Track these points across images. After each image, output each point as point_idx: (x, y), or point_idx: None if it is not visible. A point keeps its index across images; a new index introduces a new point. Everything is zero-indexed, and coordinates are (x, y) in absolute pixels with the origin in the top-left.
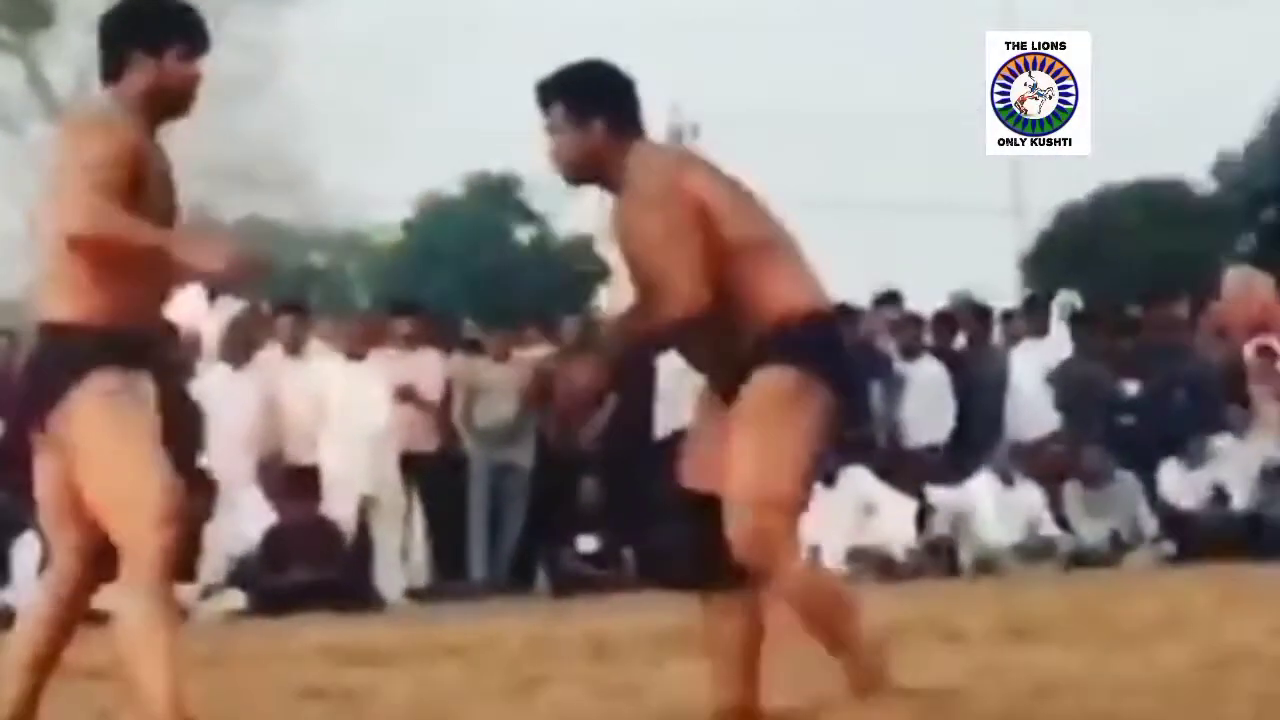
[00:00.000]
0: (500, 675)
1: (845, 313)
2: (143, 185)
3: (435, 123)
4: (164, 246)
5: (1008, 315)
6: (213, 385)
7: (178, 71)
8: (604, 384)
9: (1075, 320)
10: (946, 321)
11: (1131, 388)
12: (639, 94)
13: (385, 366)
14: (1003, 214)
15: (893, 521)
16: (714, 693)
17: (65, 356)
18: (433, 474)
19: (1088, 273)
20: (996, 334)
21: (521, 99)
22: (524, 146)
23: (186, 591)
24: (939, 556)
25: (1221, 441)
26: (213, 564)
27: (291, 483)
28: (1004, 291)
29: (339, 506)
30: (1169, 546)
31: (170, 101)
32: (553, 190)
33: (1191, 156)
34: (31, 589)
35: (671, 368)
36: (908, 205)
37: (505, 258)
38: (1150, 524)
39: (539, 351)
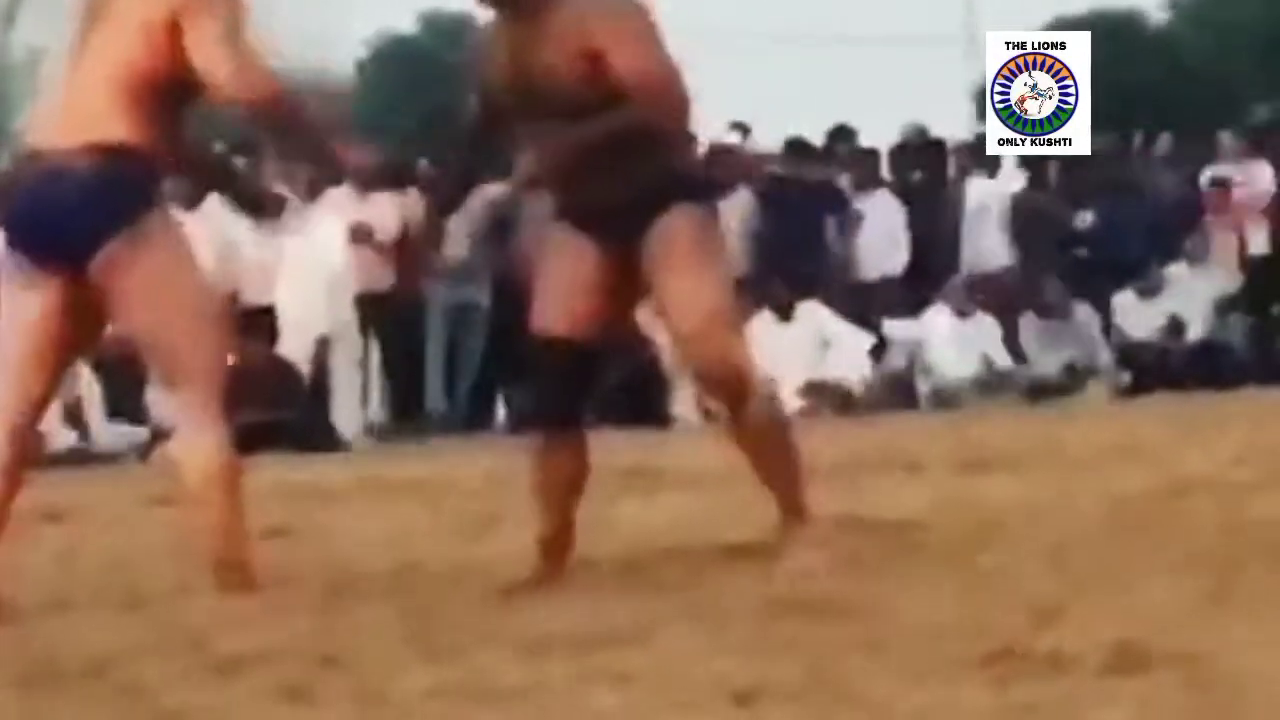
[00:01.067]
0: (459, 513)
1: (799, 147)
2: None
3: None
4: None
5: (960, 148)
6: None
7: None
8: (573, 160)
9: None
10: (903, 155)
11: (1085, 219)
12: None
13: (340, 206)
14: (954, 44)
15: (849, 355)
16: (538, 524)
17: (135, 182)
18: (390, 313)
19: None
20: (951, 167)
21: None
22: None
23: (136, 432)
24: (896, 390)
25: (1176, 271)
26: (169, 405)
27: (247, 324)
28: (959, 123)
29: (296, 347)
30: (1125, 377)
31: None
32: None
33: None
34: None
35: None
36: (861, 38)
37: (460, 97)
38: (1106, 355)
39: (496, 189)
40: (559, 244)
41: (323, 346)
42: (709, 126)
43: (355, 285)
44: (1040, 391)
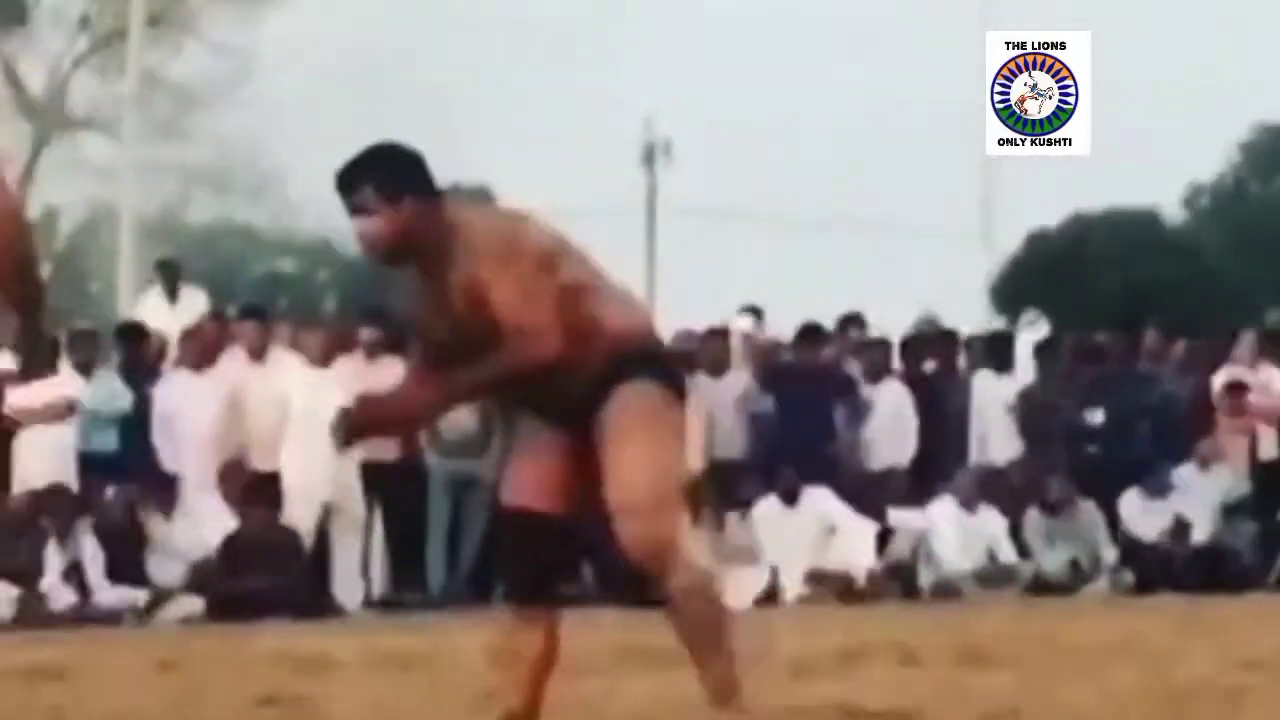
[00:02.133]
0: (456, 687)
1: (811, 333)
2: None
3: (407, 131)
4: None
5: (972, 341)
6: (175, 388)
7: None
8: (432, 412)
9: (1040, 347)
10: (914, 346)
11: (1096, 416)
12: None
13: (349, 374)
14: (973, 238)
15: (854, 543)
16: (502, 700)
17: None
18: (394, 484)
19: (1057, 300)
20: (962, 359)
21: (492, 107)
22: (495, 158)
23: (136, 594)
24: (899, 579)
25: (1184, 473)
26: (171, 569)
27: (252, 489)
28: (973, 317)
29: (299, 514)
30: (1128, 576)
31: None
32: (523, 205)
33: (1163, 186)
34: None
35: None
36: (879, 226)
37: None
38: (1110, 553)
39: None
40: (527, 428)
41: (326, 514)
42: (722, 308)
43: (360, 454)
44: (1043, 587)
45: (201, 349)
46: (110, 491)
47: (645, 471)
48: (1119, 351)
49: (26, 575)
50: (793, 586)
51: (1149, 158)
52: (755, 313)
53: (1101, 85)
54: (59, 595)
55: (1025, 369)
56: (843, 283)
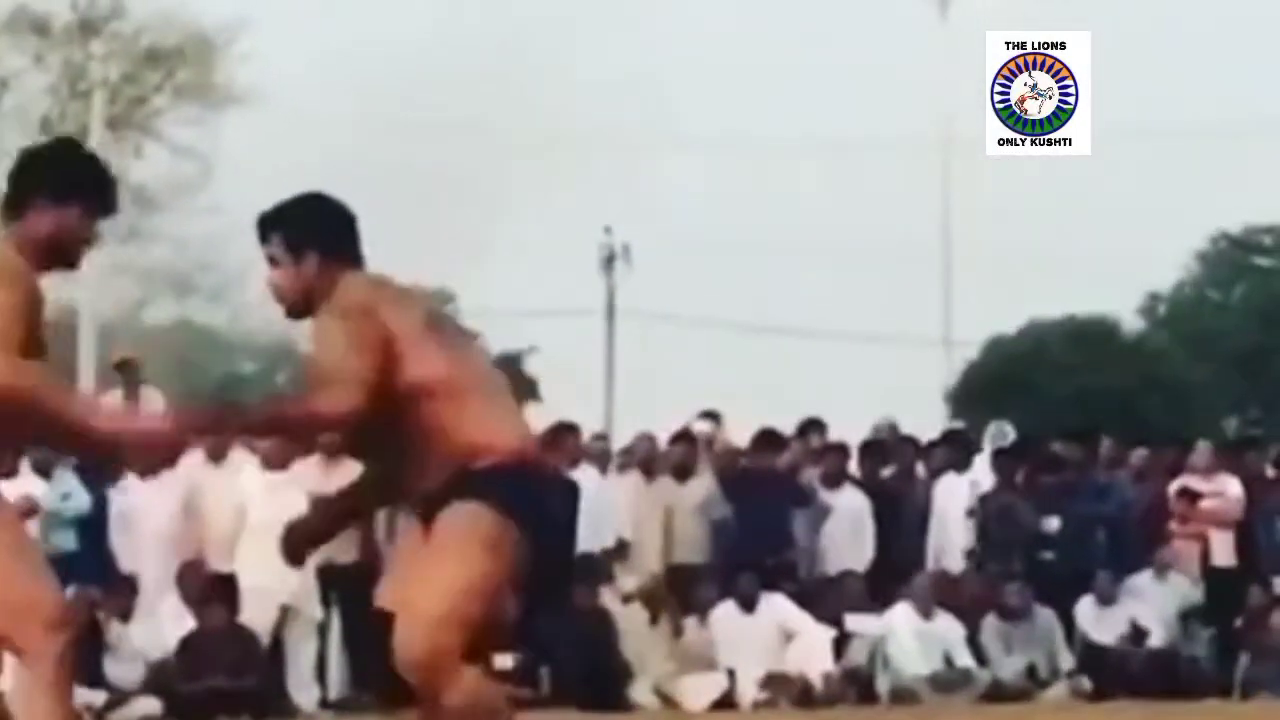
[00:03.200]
0: None
1: (769, 439)
2: (34, 333)
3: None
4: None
5: (931, 446)
6: (133, 490)
7: (79, 228)
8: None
9: (999, 455)
10: (873, 451)
11: (1052, 523)
12: (357, 229)
13: (306, 477)
14: (931, 345)
15: (811, 648)
16: None
17: None
18: (351, 585)
19: (1014, 406)
20: (919, 466)
21: (454, 212)
22: (458, 263)
23: (90, 696)
24: (856, 684)
25: (1141, 580)
26: (130, 669)
27: (210, 590)
28: (932, 423)
29: (256, 616)
30: (1086, 682)
31: (66, 253)
32: (484, 308)
33: (1119, 294)
34: None
35: (592, 488)
36: (837, 334)
37: None
38: (1068, 659)
39: None
40: (407, 531)
41: (283, 616)
42: (681, 412)
43: (317, 556)
44: (1000, 693)
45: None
46: (69, 592)
47: (439, 589)
48: (1076, 459)
49: None
50: (749, 691)
51: (1107, 266)
52: (714, 417)
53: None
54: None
55: (982, 478)
56: (802, 388)
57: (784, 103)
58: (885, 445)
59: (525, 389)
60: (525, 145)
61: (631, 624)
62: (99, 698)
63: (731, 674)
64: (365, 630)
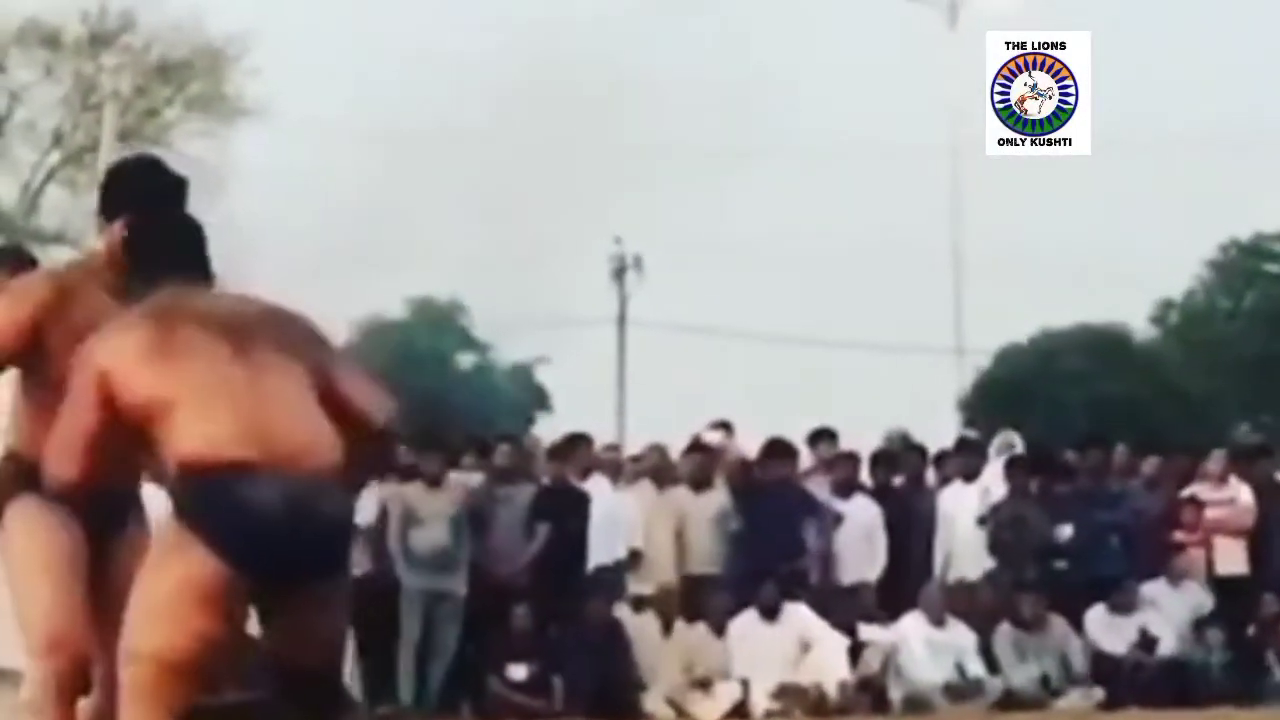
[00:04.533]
0: None
1: (780, 449)
2: (49, 353)
3: (378, 246)
4: None
5: (942, 455)
6: (148, 499)
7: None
8: None
9: (1011, 463)
10: (884, 460)
11: (1065, 532)
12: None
13: None
14: (943, 354)
15: (829, 657)
16: None
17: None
18: (364, 597)
19: (1027, 415)
20: (930, 474)
21: (471, 226)
22: (470, 273)
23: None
24: (869, 694)
25: (1154, 588)
26: None
27: None
28: (944, 432)
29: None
30: (1098, 691)
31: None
32: (495, 319)
33: (1131, 302)
34: None
35: (604, 498)
36: (848, 343)
37: (443, 383)
38: (1081, 668)
39: (474, 478)
40: None
41: None
42: (692, 423)
43: None
44: (1013, 702)
45: None
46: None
47: (133, 609)
48: (1088, 468)
49: None
50: (763, 701)
51: (1118, 274)
52: (725, 427)
53: (1078, 198)
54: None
55: (993, 486)
56: (813, 397)
57: (792, 111)
58: (896, 454)
59: (536, 399)
60: (534, 154)
61: (644, 634)
62: None
63: (745, 684)
64: (376, 641)
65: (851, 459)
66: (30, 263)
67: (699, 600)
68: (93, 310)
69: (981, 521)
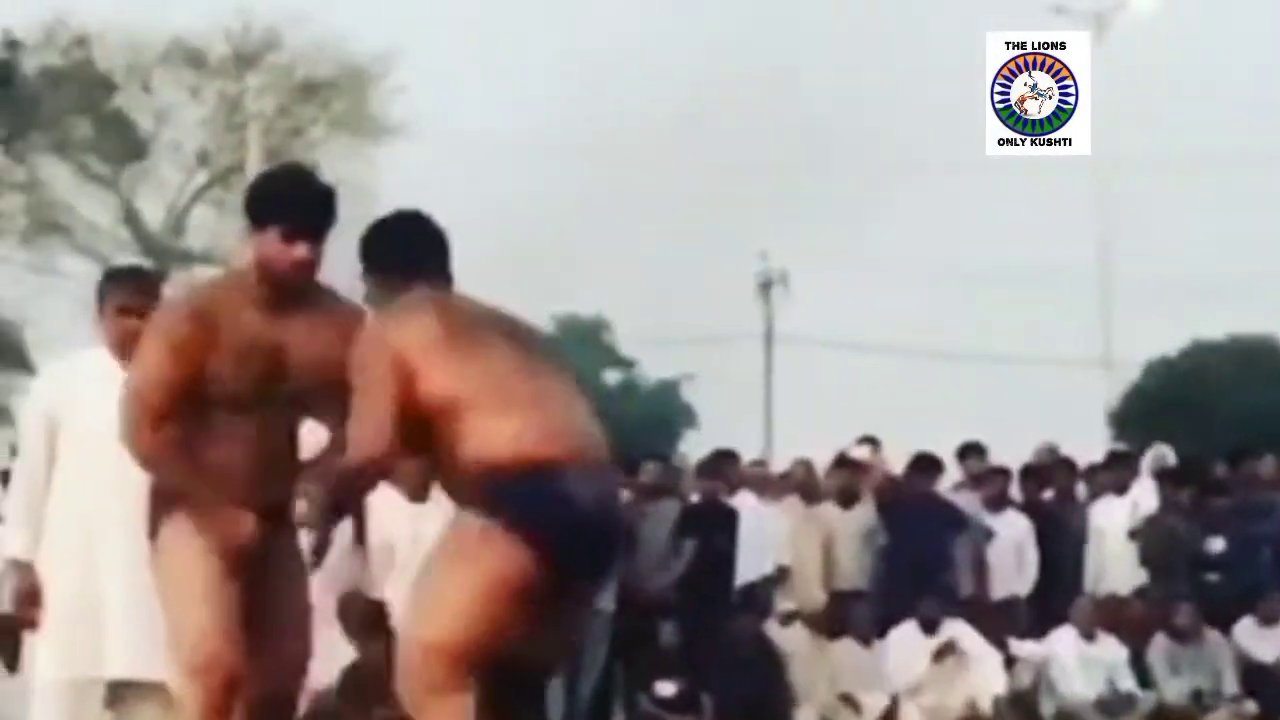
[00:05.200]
0: None
1: (927, 463)
2: (211, 370)
3: (526, 261)
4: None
5: (1092, 469)
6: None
7: (279, 251)
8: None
9: (1162, 476)
10: (1034, 474)
11: (1217, 544)
12: (424, 245)
13: (441, 505)
14: (1093, 366)
15: (985, 673)
16: None
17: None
18: None
19: (1177, 427)
20: (1080, 487)
21: (616, 242)
22: (616, 289)
23: None
24: (1020, 709)
25: None
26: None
27: (370, 618)
28: (1094, 445)
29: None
30: (1250, 705)
31: (275, 279)
32: (641, 335)
33: None
34: None
35: (751, 514)
36: (996, 357)
37: (589, 400)
38: (1233, 683)
39: (621, 496)
40: None
41: None
42: (840, 438)
43: None
44: (1164, 716)
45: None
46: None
47: (429, 610)
48: (1239, 479)
49: None
50: (914, 715)
51: (1269, 286)
52: (872, 442)
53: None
54: None
55: (1144, 499)
56: (962, 412)
57: (939, 127)
58: (1046, 468)
59: (683, 416)
60: (681, 170)
61: (791, 650)
62: None
63: (894, 698)
64: None
65: (1002, 473)
66: (153, 281)
67: (846, 616)
68: (241, 325)
69: (1132, 535)
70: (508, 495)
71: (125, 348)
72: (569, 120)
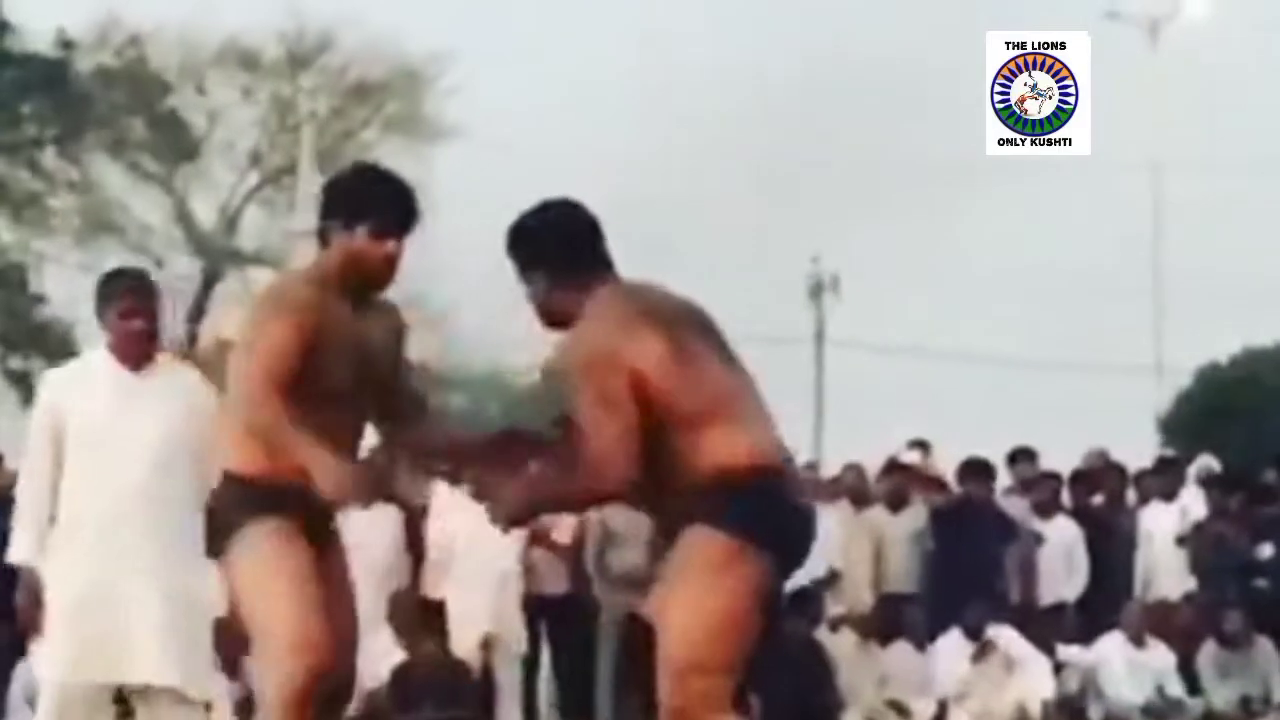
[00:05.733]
0: None
1: (978, 468)
2: (317, 362)
3: None
4: (304, 461)
5: (1141, 475)
6: (356, 519)
7: (369, 248)
8: (514, 522)
9: (1211, 482)
10: (1084, 480)
11: (1266, 551)
12: (590, 236)
13: None
14: (1144, 373)
15: (1034, 679)
16: None
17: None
18: (562, 618)
19: (1227, 434)
20: (1130, 493)
21: (665, 244)
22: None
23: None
24: (1069, 715)
25: None
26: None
27: (421, 617)
28: (1143, 451)
29: (461, 644)
30: None
31: (364, 276)
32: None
33: None
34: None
35: None
36: (1047, 362)
37: None
38: None
39: None
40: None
41: (487, 647)
42: (890, 442)
43: (526, 587)
44: None
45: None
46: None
47: (687, 630)
48: None
49: None
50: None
51: None
52: (922, 446)
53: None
54: None
55: (1193, 505)
56: (1012, 417)
57: (980, 130)
58: (1095, 473)
59: None
60: (732, 173)
61: (841, 653)
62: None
63: (941, 704)
64: (574, 662)
65: (1053, 479)
66: (152, 284)
67: (896, 620)
68: (337, 319)
69: (1181, 541)
70: (750, 506)
71: (127, 349)
72: (621, 124)
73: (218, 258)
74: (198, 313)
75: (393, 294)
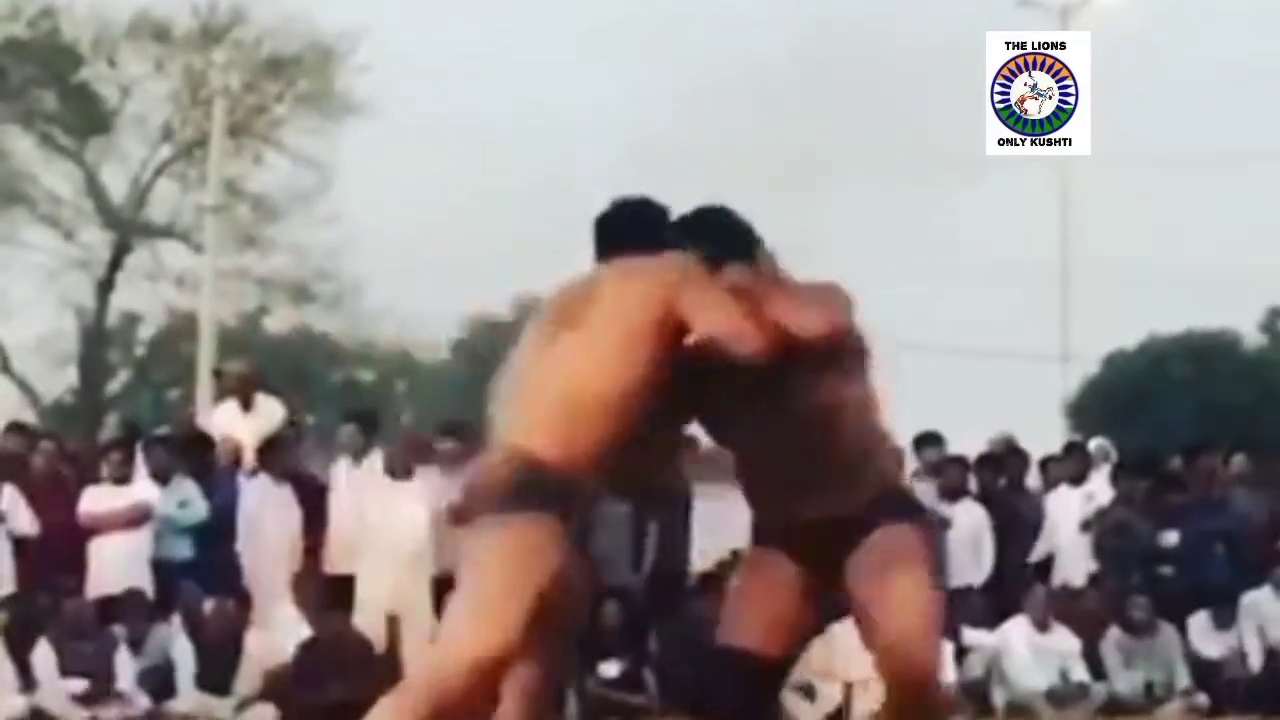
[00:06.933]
0: None
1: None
2: None
3: (485, 243)
4: None
5: (1047, 460)
6: (253, 496)
7: None
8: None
9: (1118, 469)
10: (990, 464)
11: (1170, 538)
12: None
13: (428, 486)
14: (1050, 360)
15: None
16: None
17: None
18: None
19: (1134, 421)
20: (1033, 478)
21: (572, 218)
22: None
23: (220, 705)
24: (972, 698)
25: (1257, 596)
26: (249, 677)
27: (327, 594)
28: (1051, 438)
29: (367, 622)
30: (1202, 699)
31: None
32: None
33: (1239, 309)
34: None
35: (708, 500)
36: (954, 349)
37: None
38: (1185, 677)
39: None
40: (755, 561)
41: (393, 625)
42: None
43: (437, 566)
44: (1117, 708)
45: (281, 457)
46: (209, 603)
47: (921, 612)
48: (1195, 475)
49: (95, 678)
50: (865, 704)
51: (1226, 281)
52: None
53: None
54: (136, 700)
55: (1098, 491)
56: (919, 402)
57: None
58: (1001, 457)
59: None
60: (697, 159)
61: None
62: (228, 705)
63: (848, 687)
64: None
65: (960, 463)
66: None
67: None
68: None
69: (1085, 526)
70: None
71: None
72: (529, 103)
73: (128, 230)
74: (106, 286)
75: (300, 269)
